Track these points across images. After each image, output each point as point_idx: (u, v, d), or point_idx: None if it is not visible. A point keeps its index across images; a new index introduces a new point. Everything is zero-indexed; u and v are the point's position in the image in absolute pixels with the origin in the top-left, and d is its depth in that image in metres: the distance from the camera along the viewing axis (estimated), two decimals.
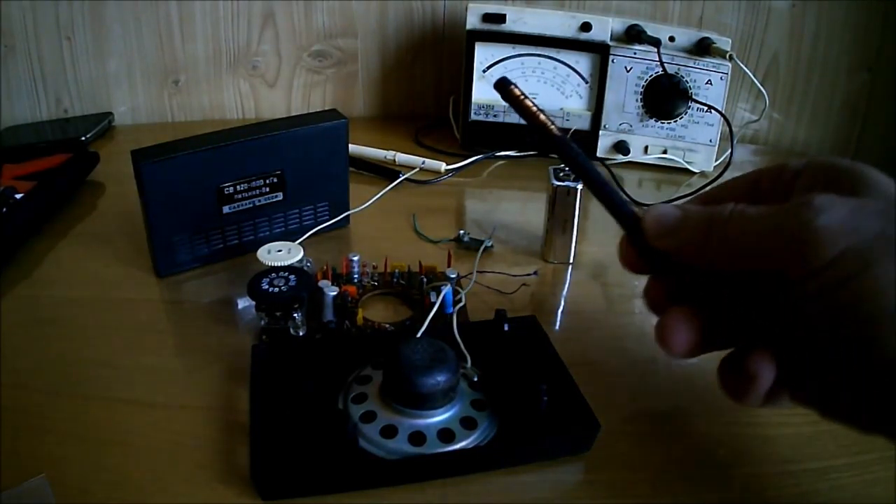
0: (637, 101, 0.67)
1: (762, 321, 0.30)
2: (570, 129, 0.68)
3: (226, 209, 0.47)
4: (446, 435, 0.32)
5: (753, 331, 0.30)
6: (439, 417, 0.32)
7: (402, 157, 0.65)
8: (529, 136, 0.67)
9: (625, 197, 0.32)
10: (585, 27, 0.65)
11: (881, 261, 0.24)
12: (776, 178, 0.31)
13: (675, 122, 0.67)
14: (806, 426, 0.34)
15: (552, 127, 0.32)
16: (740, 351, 0.29)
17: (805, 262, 0.25)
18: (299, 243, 0.44)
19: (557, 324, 0.44)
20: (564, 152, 0.32)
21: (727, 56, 0.64)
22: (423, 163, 0.64)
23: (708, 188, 0.34)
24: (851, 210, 0.25)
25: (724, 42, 0.65)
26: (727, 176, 0.63)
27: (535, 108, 0.32)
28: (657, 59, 0.64)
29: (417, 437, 0.32)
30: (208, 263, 0.48)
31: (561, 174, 0.48)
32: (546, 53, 0.66)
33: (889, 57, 0.74)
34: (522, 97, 0.33)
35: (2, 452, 0.31)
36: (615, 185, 0.32)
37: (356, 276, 0.45)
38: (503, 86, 0.32)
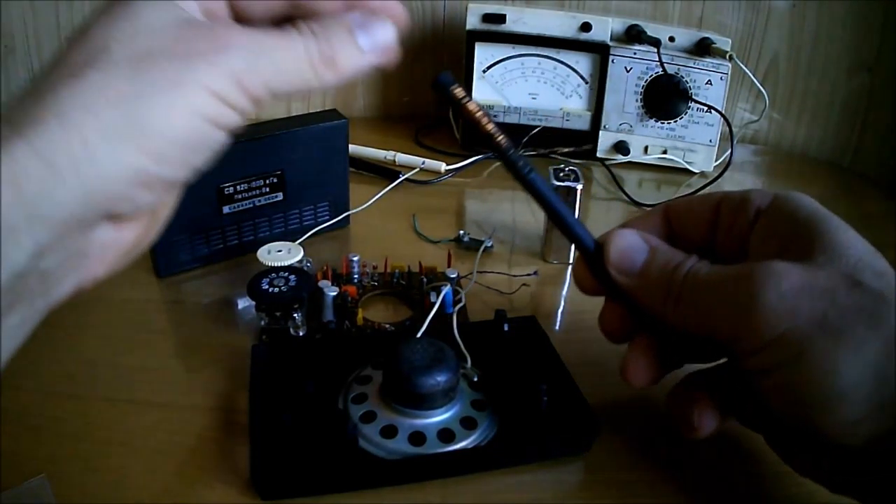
0: (637, 101, 0.67)
1: (711, 372, 0.30)
2: (523, 139, 0.67)
3: (226, 209, 0.47)
4: (446, 435, 0.32)
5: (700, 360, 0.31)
6: (439, 417, 0.32)
7: (402, 158, 0.65)
8: (528, 136, 0.67)
9: (577, 218, 0.31)
10: (585, 27, 0.65)
11: (813, 350, 0.24)
12: (738, 212, 0.30)
13: (675, 122, 0.67)
14: None
15: (500, 138, 0.29)
16: (684, 395, 0.30)
17: (746, 341, 0.25)
18: (299, 243, 0.44)
19: (557, 324, 0.44)
20: (514, 168, 0.29)
21: (727, 56, 0.64)
22: (423, 163, 0.64)
23: (674, 200, 0.33)
24: (796, 287, 0.25)
25: (724, 42, 0.65)
26: (727, 177, 0.63)
27: (480, 113, 0.28)
28: (657, 59, 0.64)
29: (417, 437, 0.32)
30: (208, 263, 0.48)
31: (561, 174, 0.48)
32: (546, 53, 0.66)
33: (889, 57, 0.74)
34: (466, 99, 0.28)
35: (2, 452, 0.31)
36: (570, 207, 0.32)
37: (356, 276, 0.45)
38: (443, 86, 0.28)
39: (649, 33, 0.65)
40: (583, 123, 0.68)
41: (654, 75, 0.66)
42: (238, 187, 0.47)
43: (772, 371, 0.25)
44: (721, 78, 0.65)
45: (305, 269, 0.44)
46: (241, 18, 0.25)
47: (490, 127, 0.28)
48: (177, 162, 0.21)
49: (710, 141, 0.68)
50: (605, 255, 0.29)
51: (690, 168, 0.68)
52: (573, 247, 0.50)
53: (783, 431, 0.29)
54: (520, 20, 0.65)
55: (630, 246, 0.29)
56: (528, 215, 0.56)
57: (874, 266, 0.25)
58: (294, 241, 0.45)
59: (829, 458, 0.27)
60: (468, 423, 0.33)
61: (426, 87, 0.79)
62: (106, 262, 0.23)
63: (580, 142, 0.68)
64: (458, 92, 0.28)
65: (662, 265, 0.28)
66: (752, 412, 0.29)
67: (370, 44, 0.25)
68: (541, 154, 0.68)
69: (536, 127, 0.67)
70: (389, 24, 0.25)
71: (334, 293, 0.41)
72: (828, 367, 0.24)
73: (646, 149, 0.68)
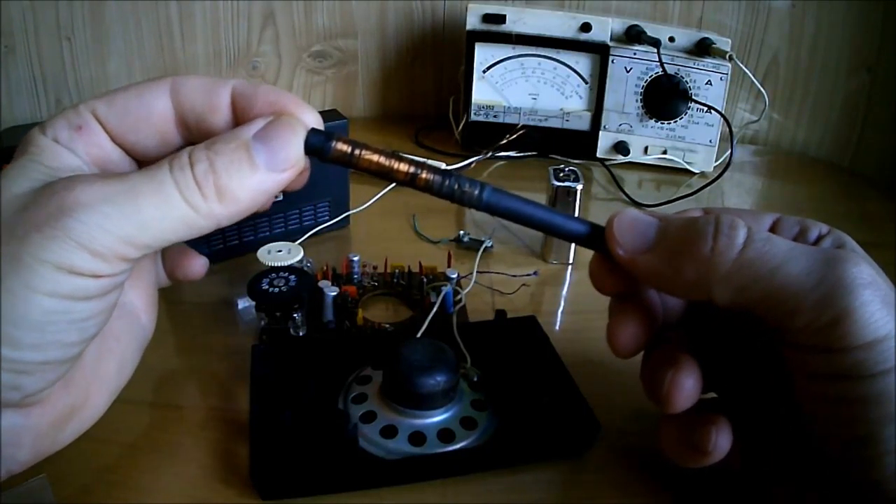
0: (637, 101, 0.67)
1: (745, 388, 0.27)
2: (503, 140, 0.67)
3: None
4: (446, 435, 0.32)
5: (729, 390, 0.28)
6: (439, 417, 0.32)
7: None
8: (529, 137, 0.67)
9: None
10: (585, 27, 0.65)
11: None
12: (798, 235, 0.26)
13: (675, 122, 0.67)
14: None
15: (424, 174, 0.23)
16: (695, 419, 0.27)
17: (832, 335, 0.21)
18: (299, 243, 0.44)
19: (557, 324, 0.44)
20: (459, 199, 0.24)
21: (727, 56, 0.64)
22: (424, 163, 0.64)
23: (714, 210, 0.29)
24: (893, 296, 0.22)
25: (723, 42, 0.65)
26: (727, 177, 0.62)
27: (383, 158, 0.22)
28: (657, 59, 0.64)
29: (417, 437, 0.32)
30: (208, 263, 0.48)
31: (561, 174, 0.48)
32: (546, 54, 0.66)
33: (889, 57, 0.74)
34: (358, 152, 0.22)
35: None
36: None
37: (356, 276, 0.45)
38: (318, 149, 0.22)
39: (649, 33, 0.65)
40: (583, 124, 0.68)
41: (654, 75, 0.66)
42: None
43: (849, 379, 0.21)
44: (721, 78, 0.65)
45: (305, 269, 0.44)
46: (140, 159, 0.24)
47: (405, 167, 0.23)
48: (38, 344, 0.20)
49: (710, 141, 0.68)
50: (607, 237, 0.25)
51: (690, 168, 0.68)
52: (573, 246, 0.50)
53: (802, 474, 0.26)
54: (520, 20, 0.65)
55: (635, 218, 0.25)
56: None
57: None
58: (294, 241, 0.45)
59: None
60: (468, 423, 0.33)
61: (426, 87, 0.80)
62: (24, 445, 0.22)
63: (580, 142, 0.68)
64: (342, 147, 0.22)
65: (684, 226, 0.24)
66: (768, 442, 0.26)
67: (270, 159, 0.21)
68: (540, 154, 0.68)
69: (538, 129, 0.67)
70: (299, 129, 0.22)
71: (334, 293, 0.41)
72: None
73: (646, 149, 0.68)
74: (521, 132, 0.65)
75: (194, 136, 0.24)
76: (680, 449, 0.27)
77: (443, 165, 0.64)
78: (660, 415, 0.28)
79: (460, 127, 0.70)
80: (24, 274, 0.19)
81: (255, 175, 0.21)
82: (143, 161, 0.24)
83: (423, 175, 0.23)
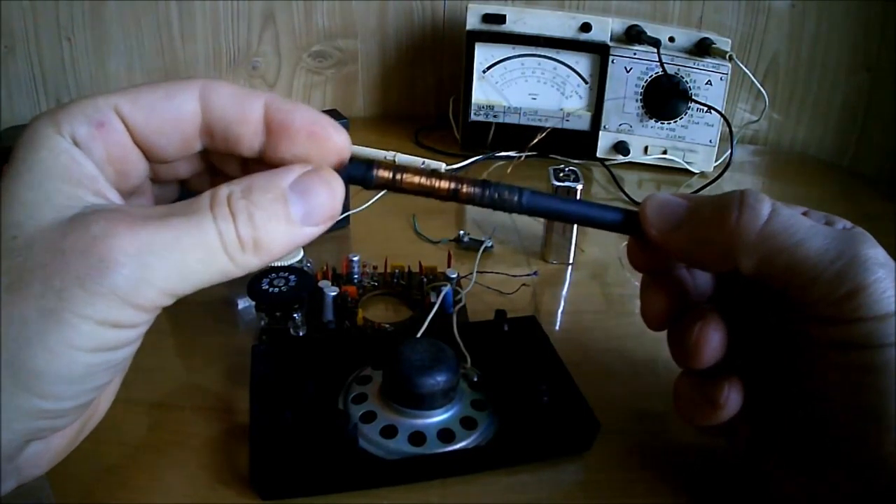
0: (637, 101, 0.67)
1: (762, 350, 0.28)
2: (529, 143, 0.67)
3: None
4: (446, 435, 0.32)
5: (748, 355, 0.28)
6: (439, 417, 0.32)
7: (402, 158, 0.65)
8: (529, 137, 0.67)
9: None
10: (585, 28, 0.65)
11: None
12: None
13: (675, 122, 0.67)
14: None
15: (465, 188, 0.24)
16: (709, 376, 0.27)
17: (847, 307, 0.23)
18: None
19: (557, 324, 0.44)
20: (503, 206, 0.25)
21: (727, 56, 0.64)
22: (423, 163, 0.64)
23: None
24: None
25: (723, 42, 0.65)
26: (727, 177, 0.63)
27: (425, 179, 0.23)
28: (657, 59, 0.64)
29: (417, 437, 0.32)
30: None
31: (561, 174, 0.48)
32: (546, 54, 0.66)
33: (889, 57, 0.74)
34: (400, 176, 0.23)
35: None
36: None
37: (356, 276, 0.45)
38: (361, 179, 0.23)
39: (649, 33, 0.65)
40: (583, 124, 0.68)
41: (654, 75, 0.66)
42: None
43: (863, 348, 0.23)
44: (721, 78, 0.65)
45: (305, 269, 0.44)
46: (157, 161, 0.23)
47: (446, 184, 0.24)
48: (77, 394, 0.20)
49: (710, 141, 0.68)
50: (641, 220, 0.26)
51: (690, 168, 0.68)
52: (573, 246, 0.50)
53: (808, 457, 0.26)
54: (520, 20, 0.65)
55: (665, 200, 0.26)
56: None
57: None
58: None
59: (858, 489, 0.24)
60: (468, 423, 0.33)
61: (426, 87, 0.80)
62: (42, 465, 0.23)
63: (580, 142, 0.68)
64: (384, 174, 0.23)
65: (712, 202, 0.25)
66: (791, 412, 0.27)
67: (306, 214, 0.21)
68: (540, 154, 0.68)
69: (540, 129, 0.67)
70: (336, 186, 0.22)
71: (334, 293, 0.41)
72: None
73: (646, 149, 0.68)
74: (545, 134, 0.65)
75: (217, 144, 0.23)
76: (692, 404, 0.28)
77: (443, 166, 0.64)
78: (677, 377, 0.29)
79: (460, 127, 0.70)
80: (66, 332, 0.18)
81: (291, 229, 0.21)
82: (159, 163, 0.24)
83: (464, 189, 0.24)
